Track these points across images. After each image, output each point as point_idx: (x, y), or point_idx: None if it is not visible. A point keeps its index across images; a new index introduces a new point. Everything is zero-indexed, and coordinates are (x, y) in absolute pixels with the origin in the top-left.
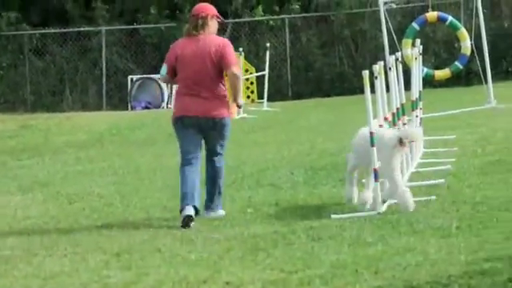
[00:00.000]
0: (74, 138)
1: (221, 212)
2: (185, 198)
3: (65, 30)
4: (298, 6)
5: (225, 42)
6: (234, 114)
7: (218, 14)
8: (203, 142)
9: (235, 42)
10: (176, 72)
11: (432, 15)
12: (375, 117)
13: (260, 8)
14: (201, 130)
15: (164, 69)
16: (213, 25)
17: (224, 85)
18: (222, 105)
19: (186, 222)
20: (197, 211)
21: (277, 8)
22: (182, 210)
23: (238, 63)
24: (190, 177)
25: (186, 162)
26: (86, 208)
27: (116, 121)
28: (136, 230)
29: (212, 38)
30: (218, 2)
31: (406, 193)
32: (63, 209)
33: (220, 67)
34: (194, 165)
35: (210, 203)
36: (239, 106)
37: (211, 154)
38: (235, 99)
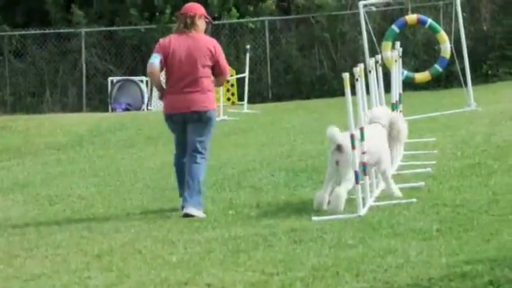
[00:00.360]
0: (55, 139)
1: (201, 214)
2: (181, 188)
3: (44, 32)
4: (272, 1)
5: (217, 46)
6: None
7: (205, 14)
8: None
9: None
10: (164, 66)
11: (412, 18)
12: (356, 119)
13: (234, 10)
14: (185, 124)
15: (156, 57)
16: (201, 24)
17: (212, 81)
18: (208, 99)
19: (187, 216)
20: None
21: (252, 8)
22: (180, 196)
23: (228, 68)
24: (182, 167)
25: (179, 150)
26: (66, 209)
27: (96, 122)
28: (117, 231)
29: (203, 38)
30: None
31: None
32: (44, 210)
33: (210, 68)
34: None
35: (189, 198)
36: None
37: (193, 149)
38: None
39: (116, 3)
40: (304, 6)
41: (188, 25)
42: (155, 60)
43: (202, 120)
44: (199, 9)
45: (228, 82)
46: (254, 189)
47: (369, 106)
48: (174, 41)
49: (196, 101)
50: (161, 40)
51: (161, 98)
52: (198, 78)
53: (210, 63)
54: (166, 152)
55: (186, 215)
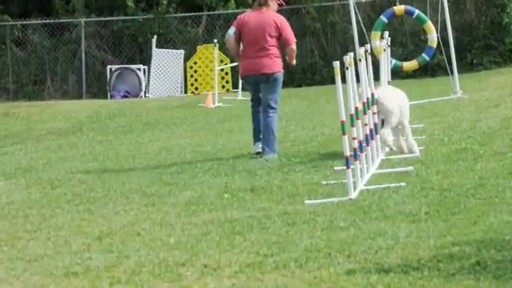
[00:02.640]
0: (56, 125)
1: (274, 155)
2: (255, 134)
3: (45, 21)
4: None
5: (282, 20)
6: (293, 62)
7: None
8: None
9: (210, 34)
10: (240, 36)
11: (399, 9)
12: (346, 106)
13: (233, 1)
14: (257, 84)
15: (232, 30)
16: (272, 5)
17: (278, 48)
18: (274, 63)
19: (258, 155)
20: (264, 150)
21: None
22: (254, 144)
23: (294, 39)
24: (257, 114)
25: (254, 103)
26: (67, 193)
27: (96, 109)
28: (116, 214)
29: (271, 13)
30: None
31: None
32: (46, 194)
33: (277, 38)
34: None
35: (266, 147)
36: (292, 65)
37: (265, 105)
38: (290, 61)
39: None
40: None
41: (262, 3)
42: (230, 32)
43: (269, 81)
44: None
45: (222, 70)
46: (249, 173)
47: (359, 94)
48: (248, 16)
49: (265, 65)
50: (239, 16)
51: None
52: (266, 45)
53: (275, 34)
54: (163, 137)
55: (266, 159)
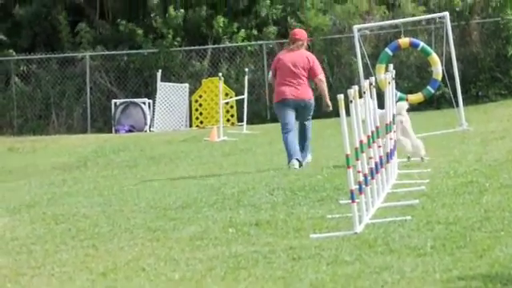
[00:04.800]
0: (60, 160)
1: (309, 157)
2: (290, 156)
3: (50, 56)
4: (274, 28)
5: (313, 56)
6: (328, 102)
7: (308, 39)
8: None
9: (215, 67)
10: (276, 72)
11: (404, 41)
12: (351, 139)
13: (243, 32)
14: (294, 108)
15: (270, 72)
16: (304, 46)
17: (308, 79)
18: (310, 92)
19: (301, 165)
20: (300, 163)
21: (255, 32)
22: (289, 162)
23: (322, 72)
24: (291, 140)
25: (286, 130)
26: (72, 228)
27: (101, 143)
28: (121, 250)
29: (303, 51)
30: (200, 27)
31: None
32: (50, 229)
33: (308, 72)
34: (292, 131)
35: (302, 152)
36: (328, 105)
37: (303, 121)
38: (324, 99)
39: (119, 28)
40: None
41: (299, 45)
42: (270, 74)
43: (307, 106)
44: (305, 35)
45: (227, 103)
46: (254, 207)
47: (363, 126)
48: (282, 55)
49: (303, 92)
50: (277, 55)
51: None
52: (300, 76)
53: (307, 67)
54: (168, 172)
55: (301, 164)
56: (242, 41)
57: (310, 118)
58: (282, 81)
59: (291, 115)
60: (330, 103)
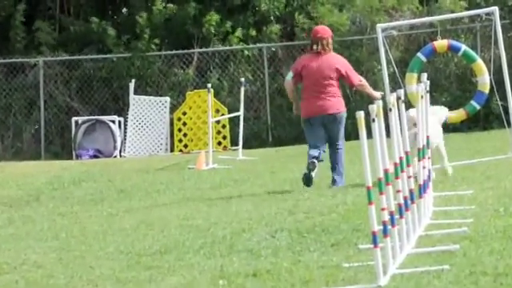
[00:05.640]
0: (6, 193)
1: (343, 181)
2: (307, 181)
3: None
4: (276, 27)
5: (343, 62)
6: (377, 94)
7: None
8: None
9: (203, 76)
10: (301, 79)
11: (441, 44)
12: (373, 167)
13: (239, 32)
14: (324, 125)
15: (290, 74)
16: (331, 48)
17: (339, 88)
18: (340, 103)
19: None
20: (319, 159)
21: (254, 33)
22: (309, 156)
23: (358, 76)
24: (314, 161)
25: (312, 148)
26: (20, 280)
27: (57, 172)
28: None
29: (331, 55)
30: (185, 27)
31: None
32: None
33: (337, 79)
34: (318, 153)
35: (337, 178)
36: (376, 98)
37: (334, 142)
38: (371, 97)
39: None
40: (311, 29)
41: (324, 45)
42: (288, 77)
43: (336, 121)
44: (329, 32)
45: (218, 122)
46: (250, 253)
47: (389, 152)
48: (307, 59)
49: (330, 105)
50: (297, 60)
51: (296, 109)
52: (328, 86)
53: (336, 75)
54: (143, 209)
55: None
56: (238, 43)
57: (343, 136)
58: (308, 93)
59: (320, 134)
60: (378, 94)
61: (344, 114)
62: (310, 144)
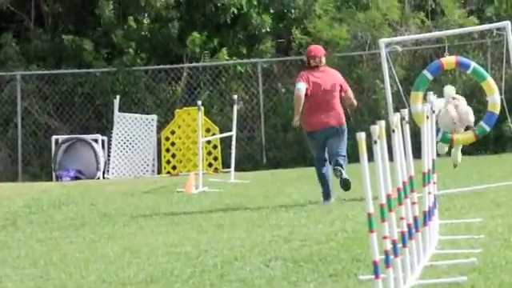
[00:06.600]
0: None
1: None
2: (327, 194)
3: None
4: (271, 42)
5: (340, 76)
6: (354, 102)
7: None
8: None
9: (192, 93)
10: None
11: (449, 61)
12: (374, 191)
13: (224, 51)
14: (326, 138)
15: (303, 85)
16: (324, 62)
17: (340, 101)
18: (342, 116)
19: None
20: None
21: (244, 51)
22: (325, 200)
23: (349, 88)
24: (328, 174)
25: (319, 162)
26: None
27: (36, 195)
28: None
29: (331, 70)
30: (171, 45)
31: None
32: None
33: (340, 92)
34: (326, 165)
35: (341, 168)
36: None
37: (336, 156)
38: (351, 105)
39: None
40: (308, 44)
41: (322, 62)
42: (302, 87)
43: (338, 133)
44: (322, 51)
45: (209, 142)
46: (243, 283)
47: (392, 176)
48: (313, 74)
49: (332, 118)
50: (301, 73)
51: (297, 120)
52: (333, 101)
53: (339, 89)
54: (128, 235)
55: (345, 179)
56: (231, 58)
57: (344, 151)
58: (313, 107)
59: (324, 147)
60: (355, 102)
61: (344, 128)
62: (318, 157)
